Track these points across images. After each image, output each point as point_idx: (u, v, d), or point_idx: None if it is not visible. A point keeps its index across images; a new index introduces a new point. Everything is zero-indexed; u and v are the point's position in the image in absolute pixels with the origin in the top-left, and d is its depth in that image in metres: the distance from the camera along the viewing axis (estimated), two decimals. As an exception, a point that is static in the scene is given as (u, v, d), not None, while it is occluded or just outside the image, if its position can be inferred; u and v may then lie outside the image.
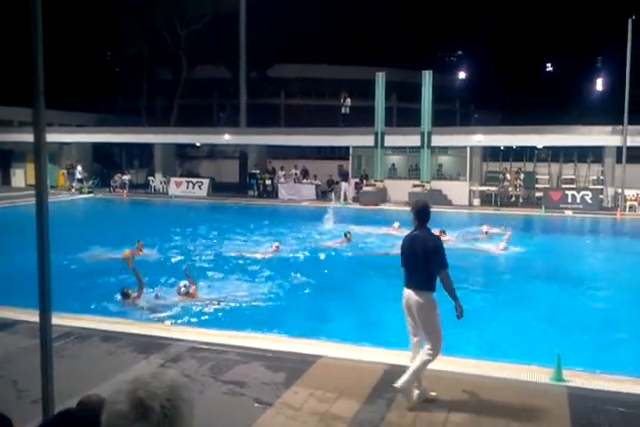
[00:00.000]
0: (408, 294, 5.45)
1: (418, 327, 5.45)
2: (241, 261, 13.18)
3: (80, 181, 30.49)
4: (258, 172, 29.24)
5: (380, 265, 12.54)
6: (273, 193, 28.44)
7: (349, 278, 12.12)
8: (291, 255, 14.13)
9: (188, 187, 29.94)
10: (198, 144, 34.36)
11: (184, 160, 36.00)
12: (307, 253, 14.54)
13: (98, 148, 33.82)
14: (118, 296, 9.44)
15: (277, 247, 14.29)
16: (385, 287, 11.17)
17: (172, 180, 30.47)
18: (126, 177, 30.98)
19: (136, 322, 8.16)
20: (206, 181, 30.05)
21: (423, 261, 5.36)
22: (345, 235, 15.72)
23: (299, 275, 11.84)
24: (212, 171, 34.69)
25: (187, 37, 35.52)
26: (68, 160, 31.75)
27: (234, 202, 26.97)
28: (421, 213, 5.53)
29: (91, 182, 31.40)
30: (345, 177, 27.23)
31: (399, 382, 5.25)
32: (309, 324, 8.65)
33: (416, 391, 5.35)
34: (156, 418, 1.41)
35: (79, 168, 30.62)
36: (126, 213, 24.88)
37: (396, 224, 17.23)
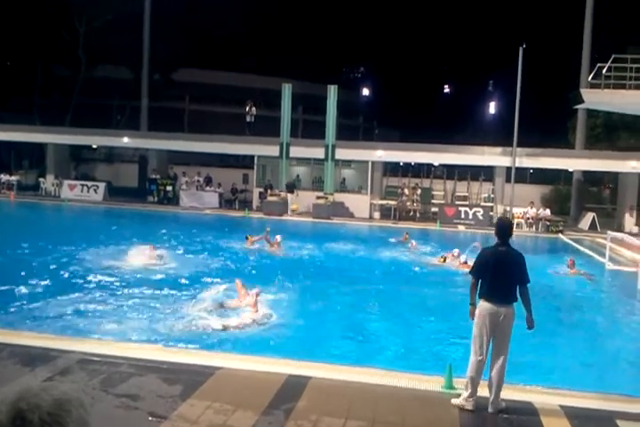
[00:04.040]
0: (495, 309, 5.62)
1: (498, 342, 5.64)
2: (139, 273, 12.68)
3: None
4: (158, 177, 28.43)
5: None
6: (174, 200, 27.70)
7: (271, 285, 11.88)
8: (187, 261, 13.80)
9: (82, 190, 28.56)
10: (95, 146, 32.92)
11: (79, 162, 34.34)
12: (212, 258, 14.33)
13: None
14: None
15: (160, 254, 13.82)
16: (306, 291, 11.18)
17: (66, 182, 28.98)
18: (14, 178, 29.13)
19: (20, 332, 7.63)
20: (102, 185, 28.81)
21: (516, 277, 5.69)
22: (274, 240, 15.71)
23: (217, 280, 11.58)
24: (109, 174, 33.32)
25: (86, 34, 34.00)
26: None
27: (131, 208, 25.99)
28: (504, 230, 5.87)
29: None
30: (291, 188, 26.09)
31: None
32: (207, 335, 8.45)
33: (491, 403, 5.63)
34: None
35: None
36: (9, 217, 23.26)
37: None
